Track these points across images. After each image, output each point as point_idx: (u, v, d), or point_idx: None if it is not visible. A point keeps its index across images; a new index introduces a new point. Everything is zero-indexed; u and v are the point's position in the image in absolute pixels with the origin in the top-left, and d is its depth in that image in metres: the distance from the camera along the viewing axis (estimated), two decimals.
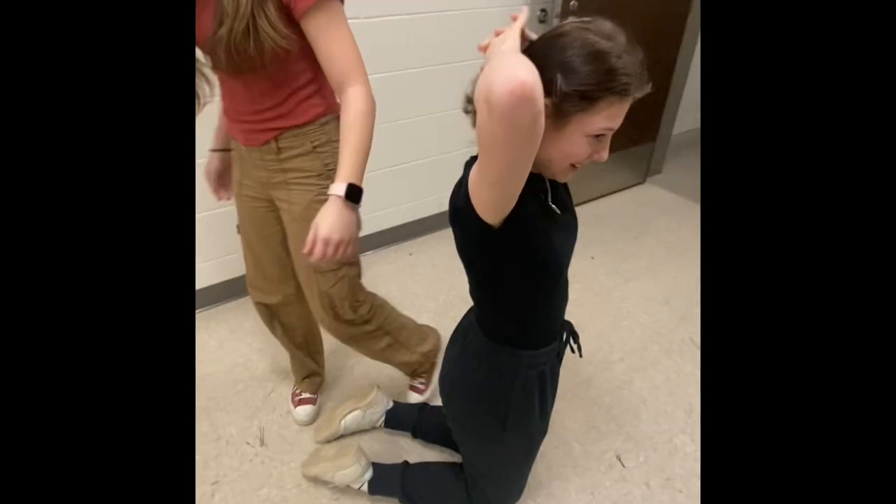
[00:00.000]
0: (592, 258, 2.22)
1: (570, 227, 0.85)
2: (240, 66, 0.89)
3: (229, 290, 1.90)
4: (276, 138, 1.01)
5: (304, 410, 1.47)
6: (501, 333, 0.88)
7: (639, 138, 2.67)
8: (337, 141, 0.97)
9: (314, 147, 1.03)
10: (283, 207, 1.09)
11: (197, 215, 1.68)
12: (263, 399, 1.54)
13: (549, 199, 0.79)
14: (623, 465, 1.38)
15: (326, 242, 0.90)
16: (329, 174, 1.02)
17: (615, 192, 2.74)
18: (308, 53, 0.93)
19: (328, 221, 0.90)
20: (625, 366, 1.69)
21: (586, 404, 1.55)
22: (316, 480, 1.30)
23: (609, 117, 0.67)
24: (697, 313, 1.89)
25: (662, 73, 2.53)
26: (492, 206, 0.67)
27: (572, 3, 1.92)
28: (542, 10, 2.04)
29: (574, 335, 1.00)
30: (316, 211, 0.93)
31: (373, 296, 1.26)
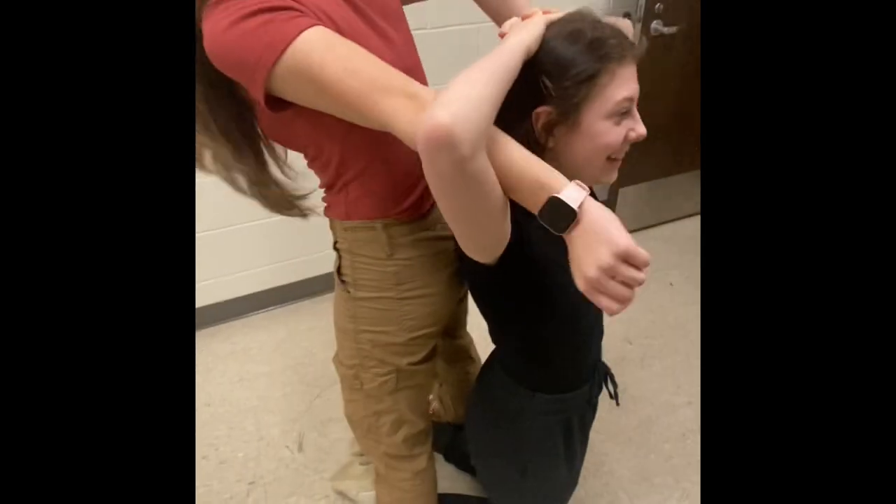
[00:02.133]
0: (671, 284, 2.01)
1: None
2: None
3: (291, 293, 1.97)
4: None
5: None
6: (520, 374, 0.80)
7: None
8: (364, 257, 0.77)
9: (335, 244, 0.82)
10: None
11: (257, 221, 1.76)
12: (308, 405, 1.57)
13: None
14: None
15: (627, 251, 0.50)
16: (345, 286, 0.81)
17: None
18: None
19: (615, 229, 0.51)
20: (692, 412, 1.50)
21: (642, 451, 1.40)
22: (342, 495, 1.29)
23: (620, 85, 0.59)
24: None
25: None
26: (473, 251, 0.60)
27: (657, 5, 1.76)
28: (626, 14, 1.89)
29: (609, 378, 0.90)
30: (338, 317, 0.83)
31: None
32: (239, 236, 1.75)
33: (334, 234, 0.82)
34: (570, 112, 0.59)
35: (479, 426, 0.91)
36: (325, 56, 0.53)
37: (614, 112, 0.60)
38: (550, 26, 0.60)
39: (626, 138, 0.63)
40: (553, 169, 0.54)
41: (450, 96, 0.47)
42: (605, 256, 0.50)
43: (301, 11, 0.55)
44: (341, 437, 1.46)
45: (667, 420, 1.48)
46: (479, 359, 1.21)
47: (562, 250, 0.65)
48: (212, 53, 0.56)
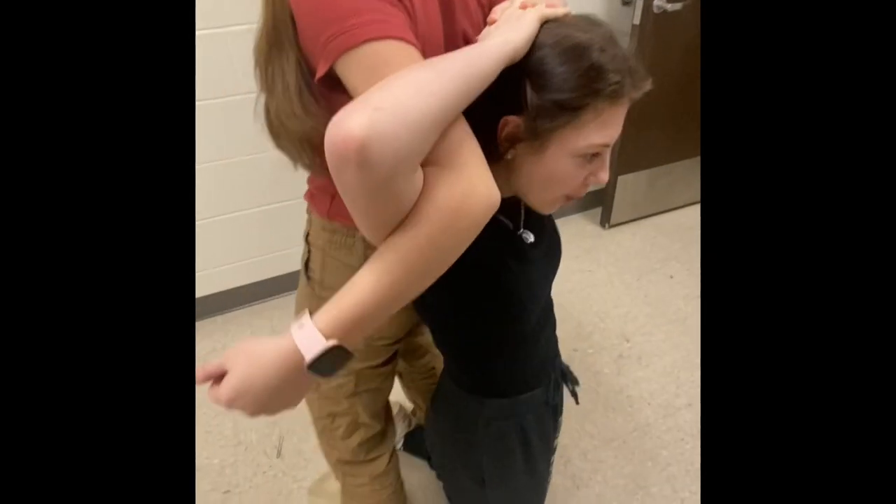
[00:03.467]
0: (671, 277, 1.93)
1: (543, 258, 0.70)
2: None
3: (276, 287, 1.89)
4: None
5: None
6: (463, 379, 0.76)
7: None
8: (336, 260, 0.71)
9: (307, 235, 0.76)
10: None
11: (248, 211, 1.68)
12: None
13: (521, 225, 0.65)
14: None
15: (217, 400, 0.49)
16: (310, 282, 0.76)
17: None
18: None
19: (237, 379, 0.47)
20: (692, 414, 1.42)
21: (638, 457, 1.32)
22: None
23: (600, 129, 0.51)
24: None
25: None
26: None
27: None
28: None
29: (567, 376, 0.85)
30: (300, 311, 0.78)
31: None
32: (220, 229, 1.67)
33: (310, 225, 0.75)
34: (538, 135, 0.51)
35: (437, 439, 0.87)
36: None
37: (583, 153, 0.52)
38: (553, 27, 0.51)
39: (584, 182, 0.56)
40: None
41: (380, 97, 0.38)
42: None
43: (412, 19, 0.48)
44: None
45: (665, 424, 1.40)
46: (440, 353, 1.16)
47: (496, 252, 0.61)
48: None
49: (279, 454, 1.37)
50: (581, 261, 2.03)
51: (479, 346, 0.70)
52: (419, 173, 0.43)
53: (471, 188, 0.44)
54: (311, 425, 1.41)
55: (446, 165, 0.44)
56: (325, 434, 0.89)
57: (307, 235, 0.76)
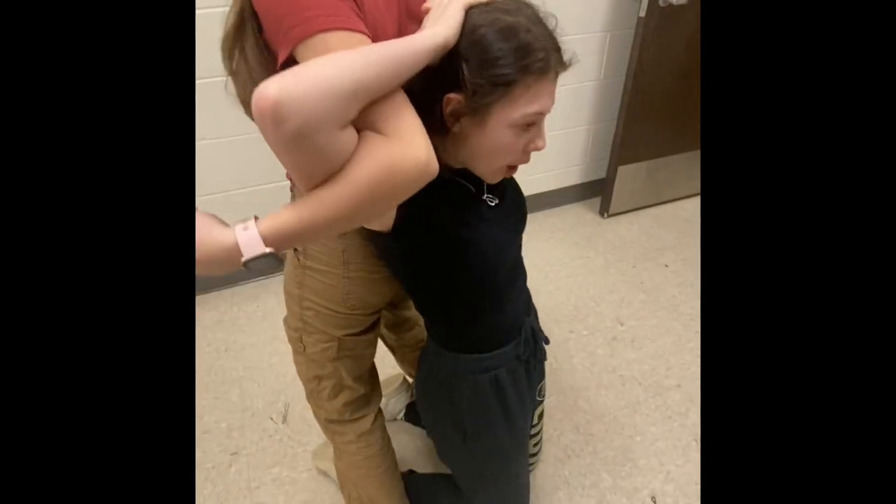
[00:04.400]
0: (666, 266, 1.98)
1: (508, 220, 0.76)
2: None
3: (281, 263, 1.93)
4: None
5: None
6: (444, 338, 0.83)
7: None
8: None
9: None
10: None
11: (251, 188, 1.72)
12: (293, 376, 1.54)
13: (485, 191, 0.72)
14: None
15: None
16: (296, 253, 0.82)
17: None
18: None
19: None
20: (681, 394, 1.49)
21: (628, 432, 1.39)
22: (324, 474, 1.29)
23: (531, 101, 0.58)
24: None
25: None
26: None
27: None
28: None
29: (535, 336, 0.89)
30: (287, 281, 0.84)
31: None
32: (229, 204, 1.71)
33: (292, 198, 0.81)
34: (478, 109, 0.58)
35: (424, 397, 0.94)
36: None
37: (519, 123, 0.59)
38: (482, 10, 0.56)
39: (525, 149, 0.63)
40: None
41: (300, 68, 0.44)
42: None
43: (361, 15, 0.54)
44: None
45: (654, 403, 1.47)
46: None
47: (460, 214, 0.68)
48: None
49: (285, 420, 1.43)
50: (580, 248, 2.08)
51: (455, 305, 0.76)
52: (348, 135, 0.49)
53: (409, 149, 0.50)
54: None
55: (387, 132, 0.50)
56: (313, 395, 0.96)
57: None
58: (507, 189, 0.77)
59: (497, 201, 0.73)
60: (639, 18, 1.78)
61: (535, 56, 0.56)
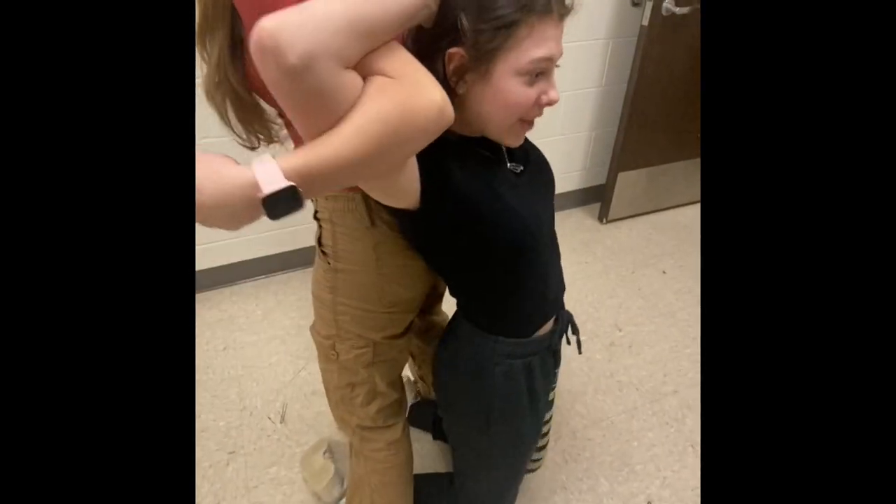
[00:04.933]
0: (664, 272, 2.00)
1: (536, 185, 0.74)
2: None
3: (282, 263, 1.94)
4: None
5: None
6: (480, 319, 0.80)
7: None
8: (345, 227, 0.75)
9: (315, 213, 0.81)
10: None
11: None
12: (293, 376, 1.56)
13: (507, 161, 0.70)
14: None
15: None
16: (325, 257, 0.80)
17: None
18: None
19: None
20: (678, 400, 1.50)
21: (625, 437, 1.40)
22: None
23: (537, 44, 0.55)
24: None
25: None
26: (379, 194, 0.60)
27: None
28: None
29: (573, 327, 0.89)
30: (317, 286, 0.83)
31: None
32: None
33: (315, 203, 0.79)
34: (482, 59, 0.56)
35: (446, 376, 0.91)
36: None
37: (527, 70, 0.57)
38: None
39: (537, 101, 0.60)
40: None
41: (295, 6, 0.42)
42: None
43: None
44: (324, 410, 1.45)
45: (651, 408, 1.48)
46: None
47: (491, 182, 0.64)
48: None
49: (283, 419, 1.43)
50: (579, 253, 2.09)
51: (498, 277, 0.73)
52: (352, 77, 0.46)
53: (423, 90, 0.48)
54: (314, 394, 1.48)
55: (399, 77, 0.48)
56: (343, 402, 0.93)
57: (315, 213, 0.80)
58: (530, 155, 0.75)
59: (521, 168, 0.71)
60: (642, 27, 1.79)
61: None
